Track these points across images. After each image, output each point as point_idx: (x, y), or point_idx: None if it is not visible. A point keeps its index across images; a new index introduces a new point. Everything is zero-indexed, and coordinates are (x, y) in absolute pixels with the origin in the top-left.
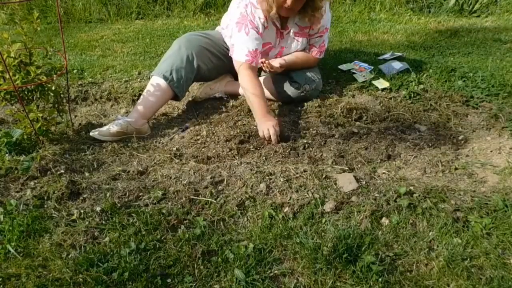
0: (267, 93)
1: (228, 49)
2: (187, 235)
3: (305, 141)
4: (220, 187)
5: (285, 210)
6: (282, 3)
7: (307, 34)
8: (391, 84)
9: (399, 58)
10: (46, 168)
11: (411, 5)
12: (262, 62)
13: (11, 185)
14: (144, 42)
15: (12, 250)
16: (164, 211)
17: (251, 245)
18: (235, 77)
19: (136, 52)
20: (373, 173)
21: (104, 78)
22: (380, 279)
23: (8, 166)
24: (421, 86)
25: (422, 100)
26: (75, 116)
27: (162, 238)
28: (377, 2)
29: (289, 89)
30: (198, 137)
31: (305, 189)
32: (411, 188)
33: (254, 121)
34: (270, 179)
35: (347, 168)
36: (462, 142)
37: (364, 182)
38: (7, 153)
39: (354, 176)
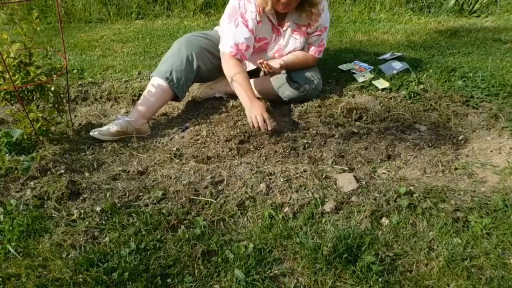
0: (267, 93)
1: None
2: (187, 235)
3: (305, 141)
4: (220, 187)
5: (285, 210)
6: None
7: (305, 33)
8: (391, 84)
9: (399, 58)
10: (46, 168)
11: (411, 5)
12: (260, 63)
13: (11, 185)
14: (144, 42)
15: (12, 250)
16: (164, 211)
17: (251, 245)
18: None
19: (136, 52)
20: (373, 173)
21: (104, 78)
22: (380, 279)
23: (8, 166)
24: (421, 86)
25: (422, 100)
26: (75, 116)
27: (162, 238)
28: (377, 2)
29: (289, 89)
30: (198, 137)
31: (305, 189)
32: (411, 188)
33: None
34: (270, 179)
35: (347, 168)
36: (462, 142)
37: (364, 182)
38: (7, 153)
39: (354, 176)
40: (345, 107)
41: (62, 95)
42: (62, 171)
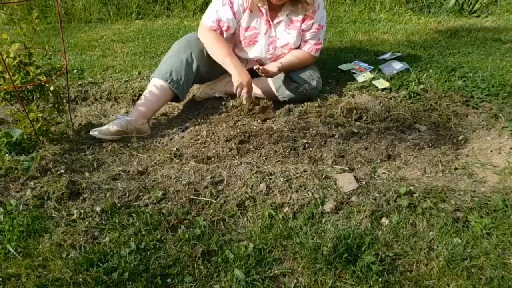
0: (267, 93)
1: None
2: (187, 235)
3: (305, 141)
4: (220, 187)
5: (285, 210)
6: None
7: (299, 28)
8: (391, 84)
9: (399, 58)
10: (46, 168)
11: (411, 5)
12: (257, 69)
13: (11, 185)
14: (144, 42)
15: (12, 250)
16: (164, 211)
17: (251, 245)
18: None
19: (136, 52)
20: (373, 173)
21: (104, 78)
22: (380, 279)
23: (8, 166)
24: (421, 86)
25: (422, 100)
26: (75, 116)
27: (162, 238)
28: (377, 2)
29: (288, 89)
30: (198, 137)
31: (305, 189)
32: (411, 188)
33: (254, 120)
34: (270, 179)
35: (347, 168)
36: (462, 142)
37: (364, 182)
38: (7, 153)
39: (354, 176)
40: (345, 107)
41: (62, 95)
42: (62, 171)
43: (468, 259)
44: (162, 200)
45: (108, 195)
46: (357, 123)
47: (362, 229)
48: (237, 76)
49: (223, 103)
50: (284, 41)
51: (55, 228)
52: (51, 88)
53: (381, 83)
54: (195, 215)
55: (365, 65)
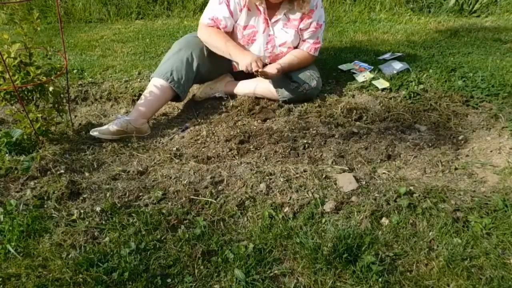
0: (267, 93)
1: None
2: (187, 235)
3: (305, 141)
4: (220, 187)
5: (285, 210)
6: None
7: (297, 27)
8: (391, 84)
9: (399, 58)
10: (46, 168)
11: (411, 5)
12: (255, 72)
13: (11, 185)
14: (144, 42)
15: (12, 250)
16: (164, 211)
17: (251, 245)
18: (235, 77)
19: (136, 52)
20: (373, 173)
21: (104, 78)
22: (380, 279)
23: (8, 166)
24: (421, 86)
25: (422, 100)
26: (75, 116)
27: (162, 238)
28: (377, 2)
29: (288, 89)
30: (198, 137)
31: (305, 189)
32: (411, 188)
33: (254, 121)
34: (270, 179)
35: (347, 168)
36: (462, 142)
37: (364, 182)
38: (7, 153)
39: (354, 176)
40: (345, 107)
41: (62, 95)
42: (62, 171)
43: (468, 259)
44: (162, 200)
45: (108, 195)
46: (357, 123)
47: (362, 229)
48: (242, 59)
49: (223, 103)
50: (282, 39)
51: (55, 228)
52: (51, 88)
53: (381, 83)
54: (195, 215)
55: (365, 65)
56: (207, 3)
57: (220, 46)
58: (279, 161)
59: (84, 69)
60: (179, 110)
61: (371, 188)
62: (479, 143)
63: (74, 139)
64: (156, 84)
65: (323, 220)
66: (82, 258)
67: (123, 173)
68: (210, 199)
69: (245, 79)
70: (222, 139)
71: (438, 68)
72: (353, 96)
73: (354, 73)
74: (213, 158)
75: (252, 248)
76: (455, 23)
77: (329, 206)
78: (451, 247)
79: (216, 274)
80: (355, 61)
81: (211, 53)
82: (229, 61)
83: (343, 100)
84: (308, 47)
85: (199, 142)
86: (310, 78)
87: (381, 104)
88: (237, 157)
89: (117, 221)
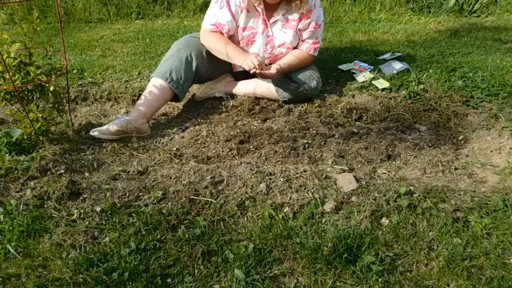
0: (267, 93)
1: None
2: (187, 235)
3: (305, 141)
4: (220, 187)
5: (285, 210)
6: None
7: (296, 28)
8: (391, 84)
9: (399, 58)
10: (46, 168)
11: (411, 5)
12: (253, 73)
13: (11, 185)
14: (144, 42)
15: (12, 250)
16: (164, 211)
17: (251, 245)
18: (235, 77)
19: (136, 52)
20: (373, 173)
21: (104, 78)
22: (380, 279)
23: (8, 166)
24: (421, 86)
25: (422, 100)
26: (75, 116)
27: (162, 238)
28: (377, 2)
29: (288, 89)
30: (198, 137)
31: (305, 189)
32: (411, 188)
33: (254, 121)
34: (270, 179)
35: (347, 168)
36: (462, 142)
37: (364, 182)
38: (7, 153)
39: (354, 176)
40: (345, 107)
41: (62, 95)
42: (62, 171)
43: (468, 259)
44: (162, 200)
45: (108, 195)
46: (357, 123)
47: (362, 229)
48: (242, 61)
49: (223, 103)
50: (281, 40)
51: (55, 228)
52: (51, 88)
53: (381, 83)
54: (195, 215)
55: (365, 65)
56: (207, 3)
57: (221, 50)
58: (279, 161)
59: (84, 69)
60: (179, 110)
61: (371, 188)
62: (479, 143)
63: (74, 139)
64: (155, 84)
65: (323, 220)
66: (82, 258)
67: (123, 173)
68: (210, 199)
69: (245, 79)
70: (222, 139)
71: (438, 68)
72: (353, 96)
73: (354, 73)
74: (213, 158)
75: (252, 248)
76: (455, 23)
77: (329, 206)
78: (451, 247)
79: (216, 274)
80: (355, 61)
81: (210, 54)
82: (229, 62)
83: (343, 100)
84: (308, 47)
85: (199, 142)
86: (310, 78)
87: (381, 104)
88: (237, 157)
89: (117, 221)
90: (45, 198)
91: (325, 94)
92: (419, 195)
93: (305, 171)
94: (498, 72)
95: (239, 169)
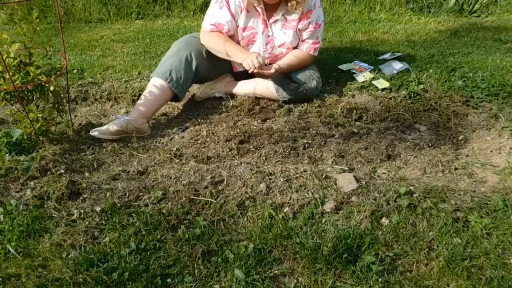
0: (267, 93)
1: None
2: (187, 235)
3: (305, 141)
4: (220, 187)
5: (285, 210)
6: None
7: (296, 28)
8: (391, 84)
9: (399, 58)
10: (46, 168)
11: (411, 5)
12: (252, 72)
13: (11, 185)
14: (144, 42)
15: (12, 250)
16: (164, 211)
17: (251, 245)
18: (235, 77)
19: (136, 52)
20: (373, 173)
21: (104, 78)
22: (380, 279)
23: (8, 166)
24: (421, 86)
25: (422, 100)
26: (75, 116)
27: (162, 238)
28: (377, 2)
29: (288, 89)
30: (198, 137)
31: (305, 189)
32: (411, 188)
33: (254, 121)
34: (270, 179)
35: (347, 168)
36: (462, 142)
37: (364, 182)
38: (7, 153)
39: (354, 176)
40: (345, 107)
41: (62, 95)
42: (62, 171)
43: (468, 259)
44: (162, 200)
45: (108, 195)
46: (357, 123)
47: (362, 229)
48: (243, 59)
49: (223, 103)
50: (281, 40)
51: (55, 228)
52: (51, 88)
53: (381, 83)
54: (195, 215)
55: (365, 65)
56: (207, 3)
57: (220, 48)
58: (279, 161)
59: (84, 69)
60: (179, 110)
61: (371, 188)
62: (479, 143)
63: (74, 139)
64: (155, 84)
65: (323, 220)
66: (82, 258)
67: (123, 173)
68: (210, 199)
69: (245, 79)
70: (222, 139)
71: (438, 68)
72: (353, 96)
73: (354, 73)
74: (213, 158)
75: (252, 248)
76: (455, 23)
77: (329, 206)
78: (451, 247)
79: (216, 274)
80: (355, 61)
81: (210, 53)
82: (229, 61)
83: (343, 100)
84: (308, 47)
85: (199, 142)
86: (310, 78)
87: (381, 104)
88: (237, 157)
89: (117, 221)
90: (45, 198)
91: (325, 94)
92: (419, 195)
93: (305, 171)
94: (498, 72)
95: (239, 169)
